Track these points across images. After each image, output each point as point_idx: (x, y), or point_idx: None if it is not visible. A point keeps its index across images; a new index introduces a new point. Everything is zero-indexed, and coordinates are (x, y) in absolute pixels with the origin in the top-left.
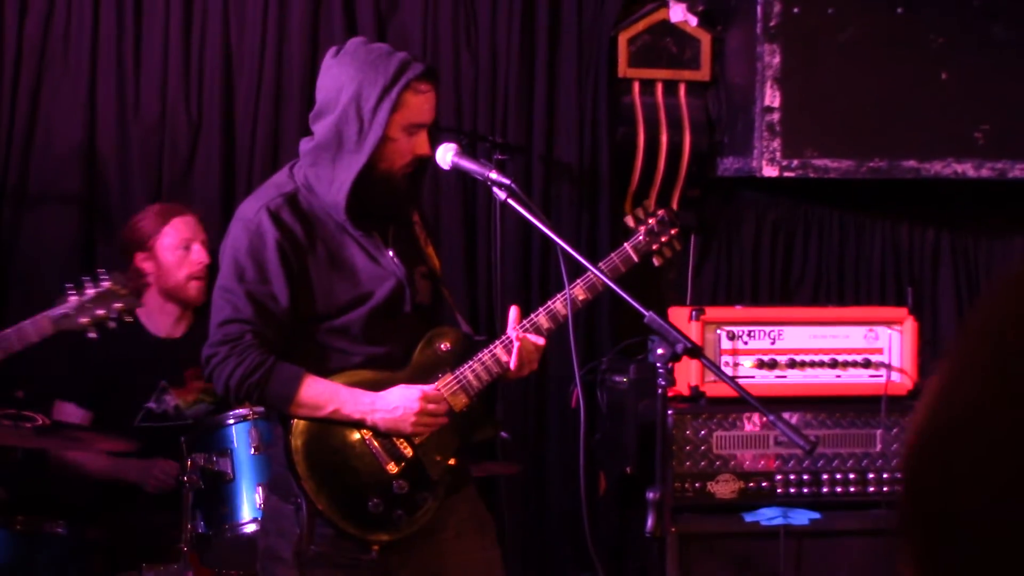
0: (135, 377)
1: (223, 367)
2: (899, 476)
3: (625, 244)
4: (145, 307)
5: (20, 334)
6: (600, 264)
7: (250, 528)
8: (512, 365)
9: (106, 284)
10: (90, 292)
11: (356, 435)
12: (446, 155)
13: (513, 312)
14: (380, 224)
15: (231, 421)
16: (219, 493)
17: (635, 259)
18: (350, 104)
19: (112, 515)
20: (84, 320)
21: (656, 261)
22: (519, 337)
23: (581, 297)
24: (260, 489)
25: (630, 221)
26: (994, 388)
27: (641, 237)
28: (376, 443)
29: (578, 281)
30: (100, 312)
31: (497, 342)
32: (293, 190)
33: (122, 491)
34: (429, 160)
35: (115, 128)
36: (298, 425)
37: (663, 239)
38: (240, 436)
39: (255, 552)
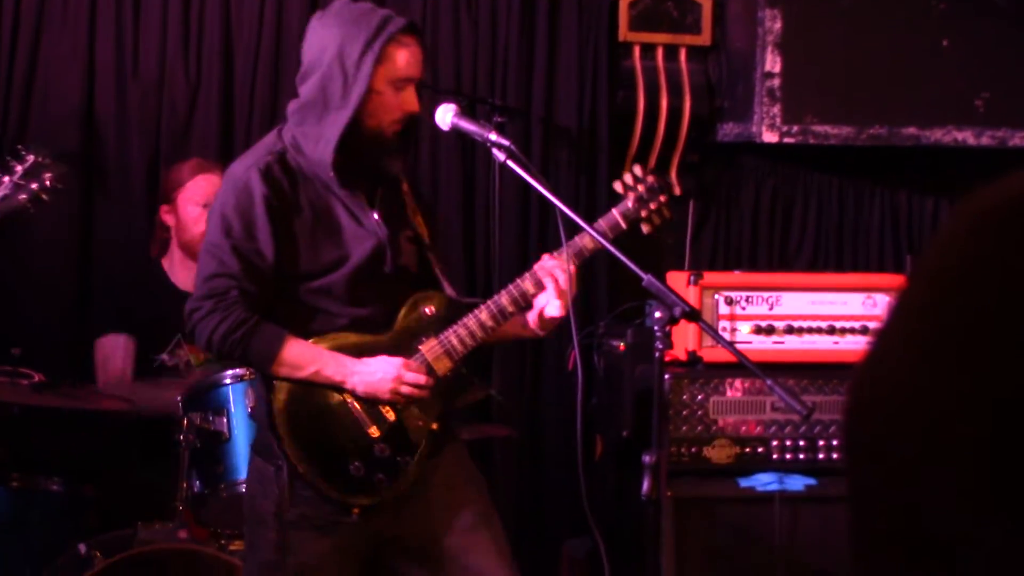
0: (155, 326)
1: (207, 321)
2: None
3: (613, 210)
4: (168, 259)
5: None
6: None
7: (245, 487)
8: (549, 295)
9: (30, 158)
10: (19, 169)
11: (338, 398)
12: (445, 116)
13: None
14: (367, 185)
15: (228, 381)
16: (215, 452)
17: (623, 226)
18: (334, 61)
19: (108, 473)
20: (23, 197)
21: (645, 228)
22: (553, 265)
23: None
24: None
25: (619, 187)
26: (933, 327)
27: (630, 204)
28: (358, 406)
29: (574, 239)
30: (34, 186)
31: (495, 298)
32: (281, 150)
33: (118, 449)
34: (417, 119)
35: (113, 88)
36: (280, 387)
37: (652, 206)
38: (237, 396)
39: None
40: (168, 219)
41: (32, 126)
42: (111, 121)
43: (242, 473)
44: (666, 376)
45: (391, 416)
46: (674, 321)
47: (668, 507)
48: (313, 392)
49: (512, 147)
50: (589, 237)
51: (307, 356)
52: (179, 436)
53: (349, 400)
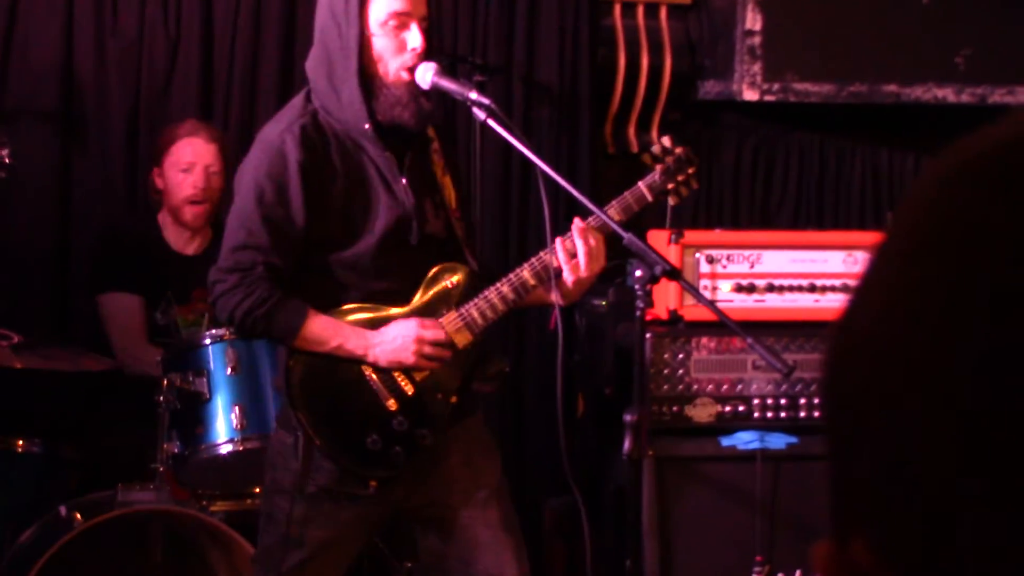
0: (148, 281)
1: (230, 296)
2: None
3: (639, 183)
4: (163, 218)
5: None
6: (613, 202)
7: (226, 448)
8: (579, 260)
9: None
10: None
11: (357, 370)
12: (426, 75)
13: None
14: (398, 147)
15: (207, 341)
16: (195, 413)
17: (649, 198)
18: (327, 17)
19: (88, 434)
20: None
21: (672, 200)
22: (580, 228)
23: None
24: (236, 409)
25: (647, 159)
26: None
27: (657, 177)
28: (377, 379)
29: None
30: None
31: (517, 272)
32: (313, 111)
33: (98, 409)
34: (425, 55)
35: (92, 45)
36: (299, 359)
37: (680, 178)
38: (217, 356)
39: (231, 472)
40: (158, 182)
41: (11, 82)
42: (90, 77)
43: (221, 435)
44: (647, 335)
45: (410, 390)
46: (655, 280)
47: (649, 466)
48: (332, 365)
49: (493, 106)
50: (615, 208)
51: (329, 331)
52: (159, 397)
53: (368, 372)
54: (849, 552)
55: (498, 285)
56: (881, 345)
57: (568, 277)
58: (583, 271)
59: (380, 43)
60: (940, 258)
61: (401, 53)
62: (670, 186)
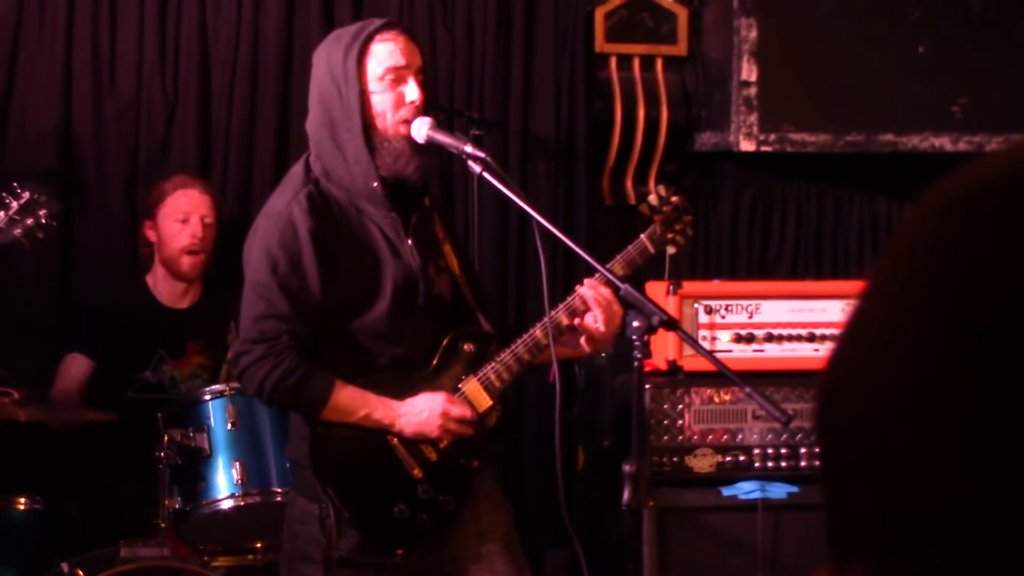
0: (137, 342)
1: (259, 367)
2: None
3: (641, 236)
4: (152, 275)
5: None
6: (617, 257)
7: (227, 504)
8: (597, 319)
9: (25, 195)
10: (14, 205)
11: (381, 440)
12: (421, 128)
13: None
14: (401, 209)
15: (207, 397)
16: (196, 469)
17: (651, 251)
18: (326, 78)
19: (89, 491)
20: (18, 232)
21: (671, 250)
22: (592, 288)
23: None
24: (237, 464)
25: (645, 210)
26: (906, 308)
27: (658, 228)
28: (401, 448)
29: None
30: (29, 222)
31: (529, 333)
32: (315, 180)
33: (100, 466)
34: (422, 109)
35: (91, 105)
36: (325, 429)
37: (677, 227)
38: (217, 412)
39: (232, 527)
40: (151, 235)
41: (9, 143)
42: (89, 138)
43: (222, 490)
44: (646, 386)
45: (433, 456)
46: (652, 330)
47: (650, 517)
48: (357, 435)
49: (488, 158)
50: (619, 264)
51: (357, 401)
52: (160, 453)
53: (393, 442)
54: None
55: (513, 347)
56: (877, 377)
57: (585, 335)
58: (601, 327)
59: (379, 99)
60: (937, 291)
61: (400, 107)
62: (669, 236)
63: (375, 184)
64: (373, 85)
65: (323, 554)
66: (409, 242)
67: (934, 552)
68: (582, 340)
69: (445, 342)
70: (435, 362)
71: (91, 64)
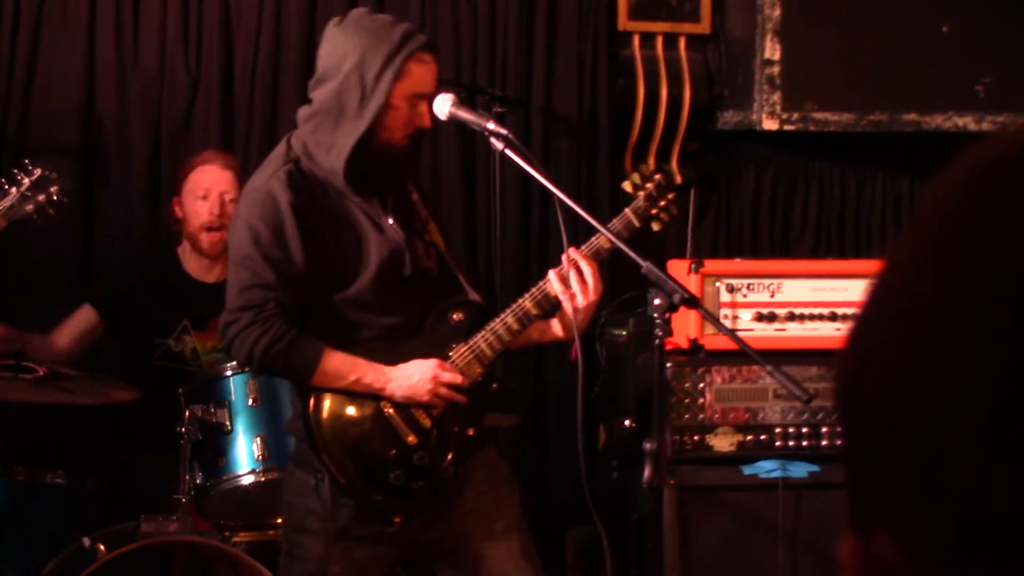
0: (162, 308)
1: (247, 334)
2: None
3: (626, 209)
4: (183, 249)
5: None
6: (600, 232)
7: (247, 480)
8: (578, 292)
9: (37, 171)
10: (26, 181)
11: (376, 408)
12: (443, 105)
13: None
14: (379, 193)
15: (229, 372)
16: (217, 444)
17: (636, 224)
18: (352, 71)
19: (111, 466)
20: (29, 208)
21: (656, 226)
22: (576, 261)
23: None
24: (258, 440)
25: (628, 187)
26: (931, 278)
27: (641, 202)
28: (395, 415)
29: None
30: (41, 198)
31: (519, 302)
32: (295, 158)
33: (121, 441)
34: (426, 133)
35: (114, 82)
36: (318, 399)
37: (662, 203)
38: (238, 387)
39: (252, 503)
40: (178, 211)
41: (33, 119)
42: (112, 114)
43: (243, 466)
44: (668, 364)
45: (427, 423)
46: (673, 308)
47: (671, 495)
48: (351, 403)
49: (510, 135)
50: (604, 237)
51: (346, 366)
52: (181, 428)
53: (387, 409)
54: (873, 546)
55: (502, 316)
56: (903, 349)
57: (568, 306)
58: (580, 300)
59: (396, 114)
60: (965, 261)
61: (409, 127)
62: (653, 211)
63: (343, 183)
64: (397, 101)
65: (320, 525)
66: (390, 220)
67: (963, 525)
68: (555, 320)
69: (434, 312)
70: (424, 331)
71: (114, 40)
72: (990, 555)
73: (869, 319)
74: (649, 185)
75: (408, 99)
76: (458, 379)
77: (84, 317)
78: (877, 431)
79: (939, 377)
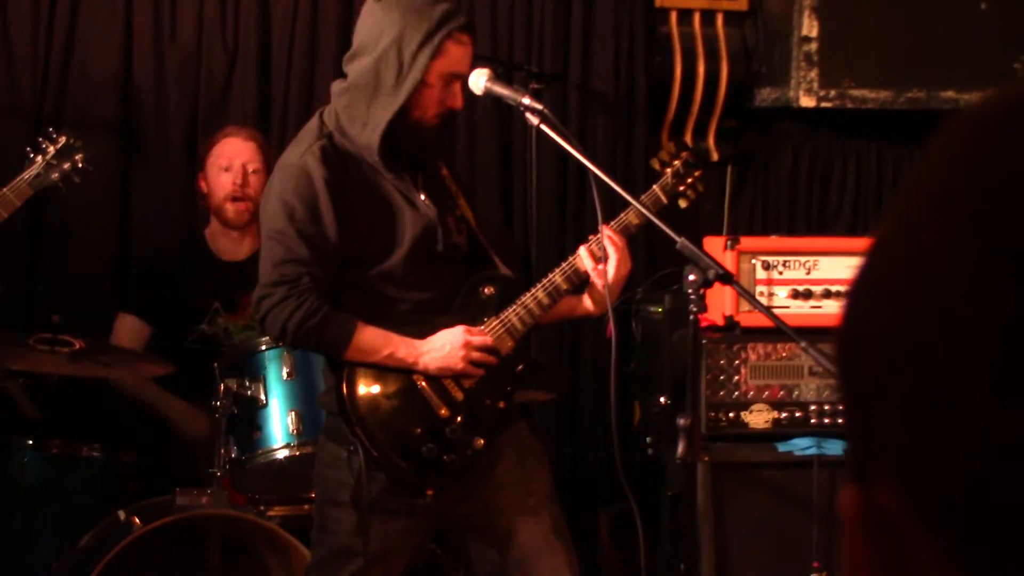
0: (193, 295)
1: (280, 309)
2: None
3: (653, 186)
4: (210, 229)
5: (3, 202)
6: (630, 208)
7: (282, 454)
8: (610, 266)
9: (62, 140)
10: (51, 150)
11: (408, 381)
12: (479, 80)
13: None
14: (410, 170)
15: (264, 347)
16: (252, 418)
17: (664, 200)
18: (391, 47)
19: (146, 439)
20: (55, 176)
21: (682, 203)
22: (610, 233)
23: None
24: (292, 414)
25: (655, 164)
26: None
27: (669, 179)
28: (427, 387)
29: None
30: (66, 166)
31: (550, 276)
32: (328, 133)
33: (157, 415)
34: (457, 115)
35: (151, 56)
36: (350, 372)
37: (689, 180)
38: (273, 361)
39: (287, 477)
40: (203, 185)
41: (70, 94)
42: (149, 89)
43: (278, 440)
44: (703, 341)
45: (459, 396)
46: (708, 284)
47: (705, 472)
48: (383, 376)
49: (545, 111)
50: (634, 212)
51: (379, 340)
52: (216, 402)
53: (419, 382)
54: (874, 497)
55: (533, 291)
56: (911, 290)
57: (597, 281)
58: (611, 275)
59: (430, 93)
60: (970, 206)
61: (441, 106)
62: (680, 188)
63: (377, 159)
64: (432, 79)
65: (352, 496)
66: (422, 196)
67: (968, 469)
68: (585, 295)
69: (465, 286)
70: (456, 305)
71: (152, 15)
72: (992, 495)
73: (873, 265)
74: (676, 162)
75: (443, 78)
76: (488, 340)
77: (133, 327)
78: (877, 377)
79: (940, 322)
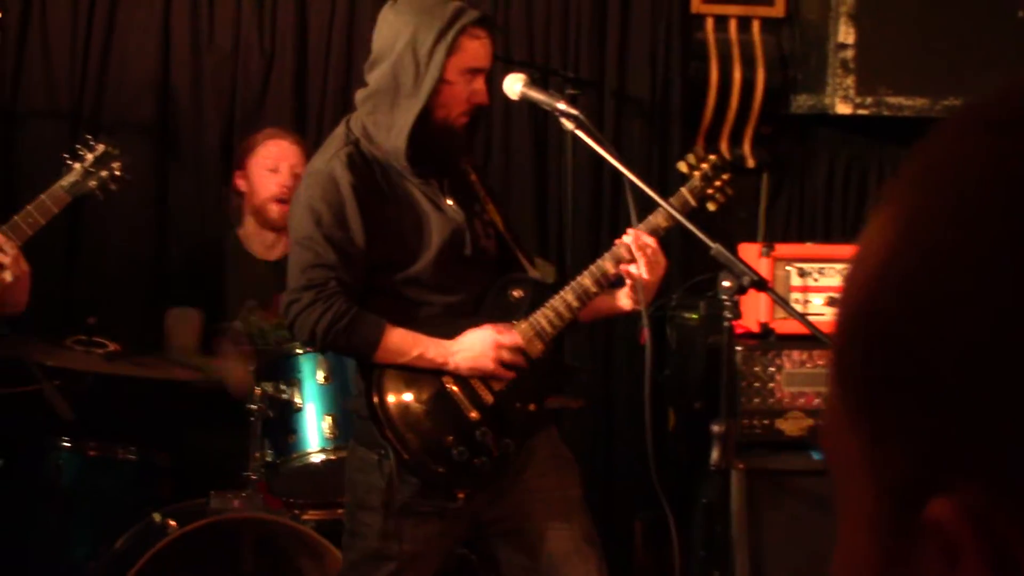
0: (229, 292)
1: (309, 313)
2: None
3: (682, 188)
4: (244, 229)
5: (41, 209)
6: (658, 210)
7: (318, 458)
8: (641, 268)
9: (100, 147)
10: (89, 157)
11: (438, 384)
12: (514, 85)
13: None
14: (437, 174)
15: (300, 351)
16: (287, 422)
17: (692, 203)
18: (406, 49)
19: (181, 442)
20: (93, 184)
21: (711, 206)
22: (636, 237)
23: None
24: (328, 419)
25: (683, 167)
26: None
27: (697, 182)
28: (457, 390)
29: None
30: (104, 174)
31: (578, 279)
32: (355, 140)
33: (192, 418)
34: (484, 111)
35: (189, 59)
36: (380, 377)
37: (717, 183)
38: (309, 365)
39: (322, 481)
40: (241, 184)
41: (108, 96)
42: (186, 91)
43: (313, 444)
44: (738, 348)
45: (489, 399)
46: (742, 290)
47: (740, 479)
48: (413, 380)
49: (580, 116)
50: (663, 215)
51: (408, 341)
52: (252, 405)
53: (449, 385)
54: (964, 499)
55: (562, 293)
56: (997, 296)
57: (629, 279)
58: (645, 275)
59: (452, 90)
60: (995, 220)
61: (465, 104)
62: (709, 191)
63: (404, 164)
64: (452, 76)
65: (383, 500)
66: (449, 201)
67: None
68: (622, 293)
69: (494, 289)
70: (484, 308)
71: (189, 17)
72: None
73: (932, 276)
74: (704, 165)
75: (463, 74)
76: (518, 339)
77: (187, 317)
78: (968, 379)
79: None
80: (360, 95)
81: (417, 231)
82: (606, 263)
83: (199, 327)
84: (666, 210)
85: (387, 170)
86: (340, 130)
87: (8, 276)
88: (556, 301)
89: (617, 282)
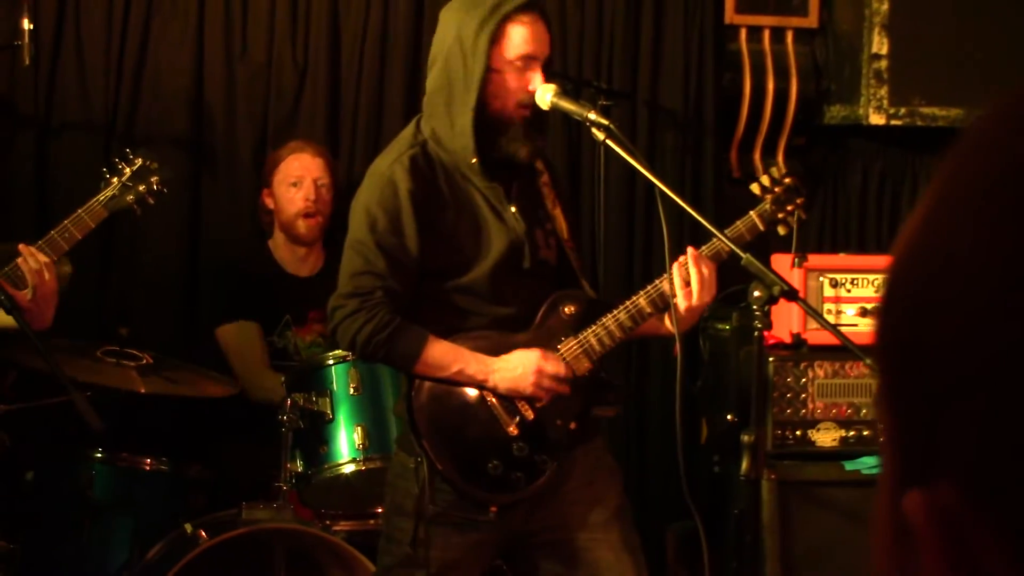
0: (267, 306)
1: (352, 321)
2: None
3: (751, 212)
4: (274, 242)
5: (78, 224)
6: (725, 232)
7: (349, 468)
8: (692, 288)
9: (138, 162)
10: (127, 172)
11: (478, 396)
12: (545, 95)
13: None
14: (505, 178)
15: (331, 361)
16: (318, 433)
17: (761, 228)
18: (454, 44)
19: (213, 453)
20: (130, 198)
21: (781, 230)
22: (694, 256)
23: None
24: (359, 429)
25: (756, 189)
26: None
27: (768, 206)
28: (497, 404)
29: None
30: (142, 188)
31: (634, 299)
32: (422, 141)
33: (224, 429)
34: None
35: (222, 71)
36: (421, 384)
37: (789, 208)
38: (340, 376)
39: (353, 491)
40: (268, 202)
41: (142, 109)
42: (219, 104)
43: (344, 455)
44: (770, 359)
45: (530, 415)
46: (773, 300)
47: (771, 489)
48: (453, 390)
49: (611, 126)
50: (728, 243)
51: (449, 356)
52: (282, 417)
53: (489, 398)
54: (937, 497)
55: (615, 313)
56: (990, 294)
57: (681, 304)
58: (695, 299)
59: (503, 80)
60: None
61: (519, 93)
62: (780, 215)
63: (473, 160)
64: (499, 65)
65: (417, 507)
66: (512, 209)
67: None
68: (666, 316)
69: (546, 304)
70: (536, 323)
71: (223, 30)
72: None
73: (935, 270)
74: (778, 189)
75: (511, 63)
76: (562, 370)
77: (248, 331)
78: (953, 377)
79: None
80: (424, 99)
81: (475, 240)
82: (663, 283)
83: (262, 341)
84: (729, 234)
85: (451, 174)
86: (408, 131)
87: (29, 294)
88: (608, 320)
89: (666, 307)
